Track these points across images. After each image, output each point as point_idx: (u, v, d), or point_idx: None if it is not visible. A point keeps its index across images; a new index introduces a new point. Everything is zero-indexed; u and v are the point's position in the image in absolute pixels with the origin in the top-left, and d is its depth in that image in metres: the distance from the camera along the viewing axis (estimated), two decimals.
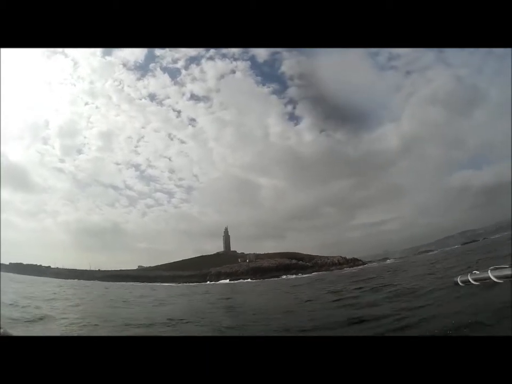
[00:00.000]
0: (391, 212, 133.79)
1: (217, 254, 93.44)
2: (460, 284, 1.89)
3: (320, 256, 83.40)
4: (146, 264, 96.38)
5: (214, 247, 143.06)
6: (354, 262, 78.03)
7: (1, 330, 2.61)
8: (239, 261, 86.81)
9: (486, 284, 1.69)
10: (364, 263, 76.78)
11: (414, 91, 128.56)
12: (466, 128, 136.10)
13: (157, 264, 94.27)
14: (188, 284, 75.43)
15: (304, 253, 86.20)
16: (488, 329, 5.85)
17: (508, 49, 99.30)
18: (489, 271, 1.61)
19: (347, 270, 69.33)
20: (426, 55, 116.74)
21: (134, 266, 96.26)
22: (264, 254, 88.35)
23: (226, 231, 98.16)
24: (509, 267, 1.53)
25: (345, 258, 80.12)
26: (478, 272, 1.74)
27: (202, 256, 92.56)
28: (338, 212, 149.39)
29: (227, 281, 75.30)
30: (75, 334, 9.43)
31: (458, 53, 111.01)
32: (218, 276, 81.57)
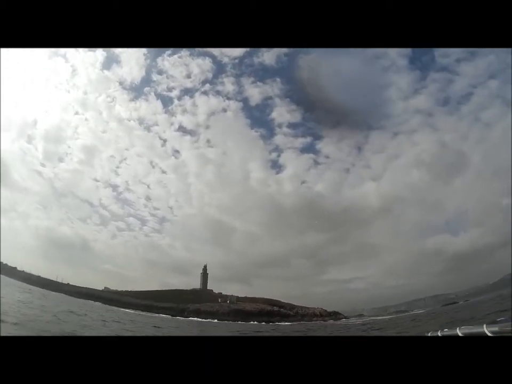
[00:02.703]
0: (361, 270, 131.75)
1: (194, 291, 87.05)
2: None
3: (301, 306, 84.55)
4: (111, 287, 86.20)
5: (179, 282, 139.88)
6: (336, 315, 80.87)
7: None
8: (219, 301, 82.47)
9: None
10: (345, 317, 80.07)
11: (399, 153, 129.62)
12: (446, 193, 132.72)
13: (122, 289, 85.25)
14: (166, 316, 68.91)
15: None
16: None
17: (493, 118, 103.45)
18: (484, 326, 1.49)
19: (331, 322, 71.79)
20: (414, 117, 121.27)
21: (99, 287, 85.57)
22: (245, 298, 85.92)
23: (205, 269, 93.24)
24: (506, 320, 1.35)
25: (326, 310, 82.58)
26: (467, 327, 1.59)
27: (177, 290, 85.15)
28: (310, 265, 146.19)
29: (215, 321, 70.19)
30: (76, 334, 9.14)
31: (446, 118, 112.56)
32: (198, 313, 75.62)
